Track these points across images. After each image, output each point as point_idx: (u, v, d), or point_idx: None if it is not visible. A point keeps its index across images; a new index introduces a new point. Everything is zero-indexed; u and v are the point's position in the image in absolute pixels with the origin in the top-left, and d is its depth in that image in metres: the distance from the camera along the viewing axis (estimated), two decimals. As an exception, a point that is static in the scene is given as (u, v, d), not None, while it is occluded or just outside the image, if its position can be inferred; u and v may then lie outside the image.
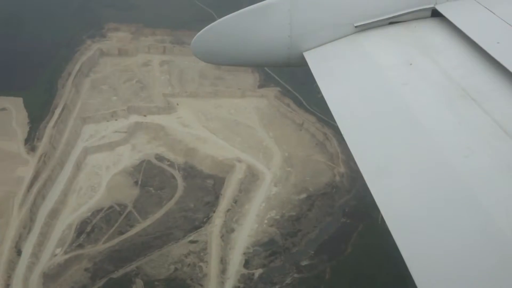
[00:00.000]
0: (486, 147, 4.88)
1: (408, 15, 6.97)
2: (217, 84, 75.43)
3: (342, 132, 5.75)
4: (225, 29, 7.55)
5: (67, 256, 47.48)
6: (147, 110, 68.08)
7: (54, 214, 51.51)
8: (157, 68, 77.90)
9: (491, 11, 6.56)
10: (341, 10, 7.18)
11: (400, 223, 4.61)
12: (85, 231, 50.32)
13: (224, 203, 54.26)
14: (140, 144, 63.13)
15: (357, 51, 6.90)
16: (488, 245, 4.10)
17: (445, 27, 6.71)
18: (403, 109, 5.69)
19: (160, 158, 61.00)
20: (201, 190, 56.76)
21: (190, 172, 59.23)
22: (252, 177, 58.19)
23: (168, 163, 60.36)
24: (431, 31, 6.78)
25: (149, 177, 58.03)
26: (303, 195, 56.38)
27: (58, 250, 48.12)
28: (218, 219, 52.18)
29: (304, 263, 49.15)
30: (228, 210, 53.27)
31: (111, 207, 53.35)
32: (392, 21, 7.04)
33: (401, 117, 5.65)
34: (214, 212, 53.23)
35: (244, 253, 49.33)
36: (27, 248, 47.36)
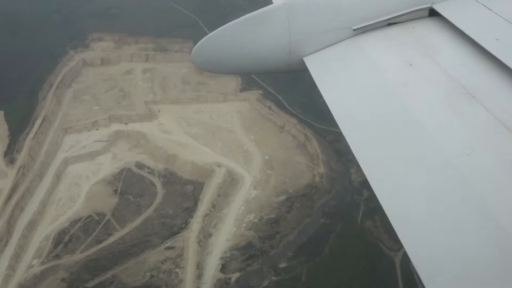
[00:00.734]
0: (488, 145, 4.87)
1: (406, 15, 6.98)
2: (200, 89, 75.50)
3: (344, 135, 5.77)
4: (224, 38, 7.58)
5: (43, 267, 47.48)
6: (128, 118, 68.19)
7: (32, 225, 51.55)
8: (139, 76, 78.12)
9: (488, 8, 6.53)
10: (339, 14, 7.19)
11: (404, 223, 4.61)
12: (62, 241, 50.32)
13: (202, 208, 54.21)
14: (121, 153, 63.21)
15: (357, 53, 6.92)
16: (491, 243, 4.11)
17: (443, 26, 6.70)
18: (404, 109, 5.69)
19: (140, 165, 61.04)
20: (181, 196, 56.73)
21: (170, 178, 59.23)
22: (231, 181, 58.14)
23: (148, 170, 60.39)
24: (429, 31, 6.78)
25: (129, 185, 58.06)
26: (283, 197, 56.25)
27: (35, 261, 48.13)
28: (195, 224, 52.10)
29: (282, 265, 48.96)
30: (206, 215, 53.17)
31: (89, 216, 53.37)
32: (390, 22, 7.05)
33: (402, 117, 5.65)
34: (192, 217, 53.15)
35: (221, 258, 49.22)
36: (4, 260, 47.34)
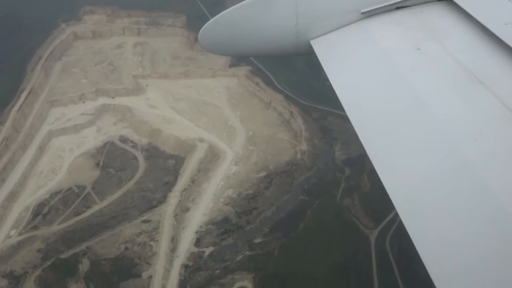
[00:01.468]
0: (496, 130, 4.83)
1: None
2: (189, 64, 75.36)
3: (350, 119, 5.66)
4: (231, 20, 7.47)
5: (21, 238, 48.07)
6: (115, 92, 68.25)
7: (12, 196, 52.09)
8: (130, 50, 78.04)
9: None
10: None
11: (409, 209, 4.58)
12: (41, 212, 50.86)
13: (181, 182, 54.45)
14: (106, 126, 63.44)
15: (364, 37, 6.80)
16: (498, 229, 4.07)
17: (452, 10, 6.56)
18: (411, 94, 5.61)
19: (124, 139, 61.29)
20: (162, 171, 56.98)
21: (152, 152, 59.47)
22: (213, 157, 58.25)
23: (132, 144, 60.64)
24: (438, 15, 6.63)
25: (111, 158, 58.37)
26: (263, 174, 56.34)
27: (12, 232, 48.73)
28: (173, 198, 52.40)
29: (257, 240, 49.26)
30: (184, 190, 53.43)
31: (70, 188, 53.83)
32: (398, 6, 6.91)
33: (409, 102, 5.57)
34: (170, 191, 53.47)
35: (197, 232, 49.59)
36: (-18, 231, 48.05)
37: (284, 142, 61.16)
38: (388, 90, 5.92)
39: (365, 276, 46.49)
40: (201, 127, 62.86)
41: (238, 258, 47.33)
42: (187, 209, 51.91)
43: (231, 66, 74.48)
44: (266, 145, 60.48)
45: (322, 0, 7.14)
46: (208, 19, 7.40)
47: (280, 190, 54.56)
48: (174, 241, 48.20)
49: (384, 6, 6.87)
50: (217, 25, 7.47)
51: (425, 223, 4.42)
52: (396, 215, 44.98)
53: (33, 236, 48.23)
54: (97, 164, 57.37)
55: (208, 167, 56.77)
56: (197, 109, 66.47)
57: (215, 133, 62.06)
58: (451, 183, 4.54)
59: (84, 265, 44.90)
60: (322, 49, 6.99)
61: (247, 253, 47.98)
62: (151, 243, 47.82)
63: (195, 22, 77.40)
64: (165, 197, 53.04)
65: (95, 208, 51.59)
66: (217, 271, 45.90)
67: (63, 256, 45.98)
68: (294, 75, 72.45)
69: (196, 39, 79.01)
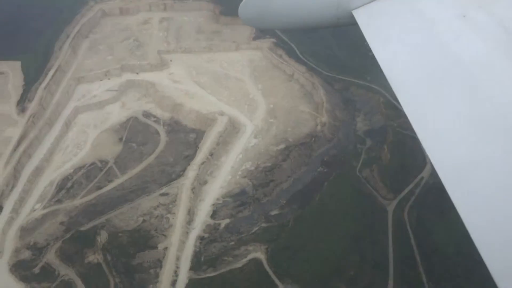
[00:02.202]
0: None
1: None
2: (213, 38, 75.24)
3: (394, 90, 5.69)
4: None
5: (45, 211, 49.84)
6: (140, 68, 68.96)
7: (38, 171, 53.88)
8: (156, 26, 78.48)
9: None
10: None
11: (457, 182, 4.61)
12: (65, 187, 52.45)
13: (200, 156, 54.95)
14: (130, 102, 64.43)
15: (408, 6, 6.69)
16: None
17: None
18: (456, 64, 5.56)
19: (147, 114, 62.17)
20: (183, 144, 57.63)
21: (174, 127, 60.15)
22: (232, 130, 58.44)
23: (154, 119, 61.46)
24: None
25: (134, 133, 59.37)
26: (282, 146, 56.22)
27: (37, 206, 50.55)
28: (191, 172, 53.01)
29: (273, 212, 49.46)
30: (203, 163, 53.93)
31: (93, 163, 55.21)
32: None
33: (454, 72, 5.52)
34: (189, 165, 54.09)
35: (213, 204, 50.16)
36: (8, 204, 49.95)
37: (305, 114, 60.67)
38: (432, 61, 5.76)
39: (380, 247, 46.08)
40: (222, 101, 62.99)
41: (254, 230, 47.70)
42: (205, 182, 52.49)
43: (255, 38, 73.93)
44: (286, 118, 60.17)
45: None
46: None
47: (298, 162, 54.38)
48: (191, 213, 48.93)
49: None
50: None
51: (472, 195, 4.43)
52: (416, 186, 43.84)
53: (56, 210, 49.90)
54: (120, 139, 58.51)
55: (227, 140, 57.03)
56: (220, 82, 66.53)
57: (236, 106, 62.10)
58: (498, 152, 4.48)
59: (102, 237, 46.25)
60: (365, 19, 6.81)
61: (263, 225, 48.27)
62: (168, 215, 48.72)
63: (220, -5, 77.47)
64: (184, 170, 53.70)
65: (117, 182, 52.81)
66: (232, 243, 46.46)
67: (83, 228, 47.46)
68: (317, 45, 71.43)
69: (221, 12, 78.91)
